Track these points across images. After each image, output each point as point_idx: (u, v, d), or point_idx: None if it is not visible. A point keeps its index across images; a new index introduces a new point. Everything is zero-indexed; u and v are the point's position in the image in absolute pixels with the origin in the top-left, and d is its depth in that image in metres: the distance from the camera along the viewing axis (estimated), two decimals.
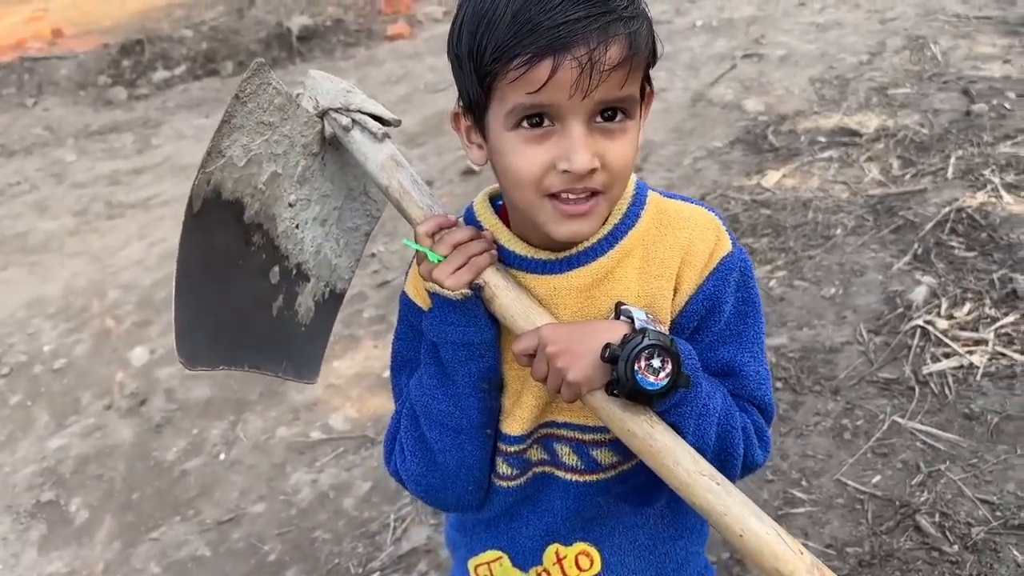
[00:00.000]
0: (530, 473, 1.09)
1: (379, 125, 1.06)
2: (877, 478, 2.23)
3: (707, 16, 6.63)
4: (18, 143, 6.92)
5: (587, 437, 1.05)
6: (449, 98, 5.89)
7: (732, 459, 1.01)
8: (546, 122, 0.88)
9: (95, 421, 3.17)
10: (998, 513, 2.05)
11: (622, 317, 0.94)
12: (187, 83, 7.79)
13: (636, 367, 0.86)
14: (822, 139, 4.08)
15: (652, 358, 0.87)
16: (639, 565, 1.11)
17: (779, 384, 2.58)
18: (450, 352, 1.00)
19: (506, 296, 0.98)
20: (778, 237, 3.32)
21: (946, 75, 4.53)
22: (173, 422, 3.07)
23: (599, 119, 0.89)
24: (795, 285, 3.01)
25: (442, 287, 0.96)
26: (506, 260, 1.01)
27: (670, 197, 1.04)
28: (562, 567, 1.11)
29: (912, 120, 4.09)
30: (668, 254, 0.99)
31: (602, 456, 1.05)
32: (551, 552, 1.11)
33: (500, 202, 1.06)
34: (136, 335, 3.68)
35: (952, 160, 3.59)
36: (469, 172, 4.54)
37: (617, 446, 1.02)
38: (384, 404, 2.89)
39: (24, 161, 6.51)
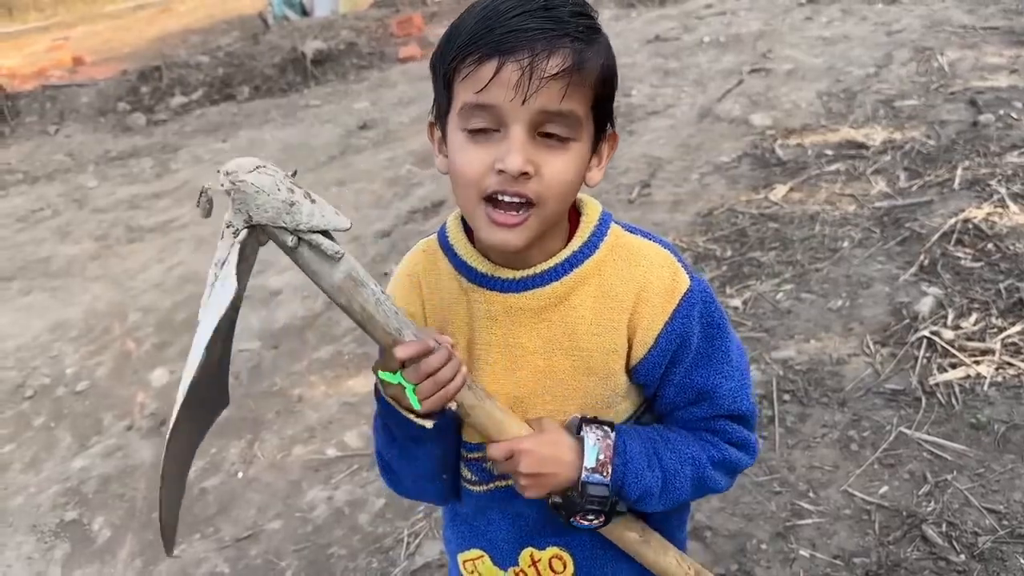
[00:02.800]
0: (493, 484, 1.12)
1: (332, 244, 0.91)
2: (884, 489, 2.25)
3: (714, 32, 6.69)
4: (40, 170, 7.08)
5: None
6: None
7: (696, 494, 1.10)
8: (492, 127, 0.92)
9: (116, 442, 3.24)
10: (1005, 522, 2.07)
11: (582, 438, 1.01)
12: (204, 108, 7.94)
13: (573, 519, 1.03)
14: (829, 152, 4.11)
15: (587, 515, 1.02)
16: (613, 569, 1.14)
17: (786, 396, 2.61)
18: (401, 434, 1.06)
19: (479, 414, 1.00)
20: (785, 250, 3.35)
21: (953, 86, 4.55)
22: None
23: (543, 134, 0.92)
24: (802, 298, 3.04)
25: (413, 414, 0.99)
26: (467, 276, 1.05)
27: (631, 231, 1.07)
28: (537, 569, 1.15)
29: (919, 132, 4.11)
30: (623, 288, 1.02)
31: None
32: (526, 555, 1.15)
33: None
34: (156, 357, 3.76)
35: (959, 171, 3.61)
36: None
37: None
38: None
39: (46, 187, 6.66)
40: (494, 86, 0.89)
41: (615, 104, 1.03)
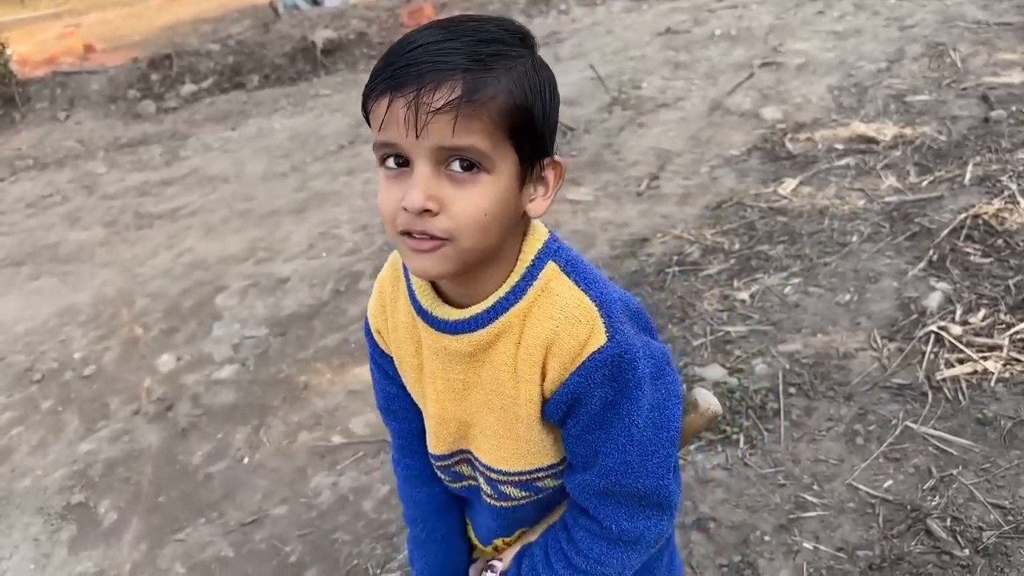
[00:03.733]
0: (463, 483, 1.19)
1: None
2: (889, 482, 2.24)
3: (725, 25, 6.66)
4: (51, 156, 7.10)
5: (494, 476, 1.10)
6: None
7: None
8: (403, 164, 0.90)
9: (123, 426, 3.26)
10: (1010, 518, 2.06)
11: None
12: (214, 96, 7.95)
13: None
14: (839, 147, 4.09)
15: None
16: None
17: (792, 389, 2.61)
18: None
19: None
20: (794, 244, 3.34)
21: (965, 82, 4.53)
22: (198, 427, 3.15)
23: (451, 167, 0.89)
24: (810, 292, 3.03)
25: None
26: (415, 307, 1.05)
27: (571, 271, 0.99)
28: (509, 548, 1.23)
29: (930, 127, 4.09)
30: (535, 341, 0.97)
31: (511, 491, 1.11)
32: (498, 541, 1.24)
33: None
34: (163, 342, 3.77)
35: (969, 167, 3.59)
36: None
37: (527, 486, 1.10)
38: None
39: (56, 173, 6.68)
40: (389, 124, 0.87)
41: (562, 129, 1.01)
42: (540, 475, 1.09)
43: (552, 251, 0.99)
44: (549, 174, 0.96)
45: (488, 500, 1.14)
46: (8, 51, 8.70)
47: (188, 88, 8.15)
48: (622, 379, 0.96)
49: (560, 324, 0.95)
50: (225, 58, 8.57)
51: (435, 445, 1.14)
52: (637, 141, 4.77)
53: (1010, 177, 3.43)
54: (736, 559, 2.10)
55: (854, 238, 3.29)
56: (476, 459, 1.12)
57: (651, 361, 1.00)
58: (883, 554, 2.04)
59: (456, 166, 0.88)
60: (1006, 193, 3.30)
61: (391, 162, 0.91)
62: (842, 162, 3.93)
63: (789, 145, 4.20)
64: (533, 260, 0.98)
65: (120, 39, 11.66)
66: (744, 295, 3.09)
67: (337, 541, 2.46)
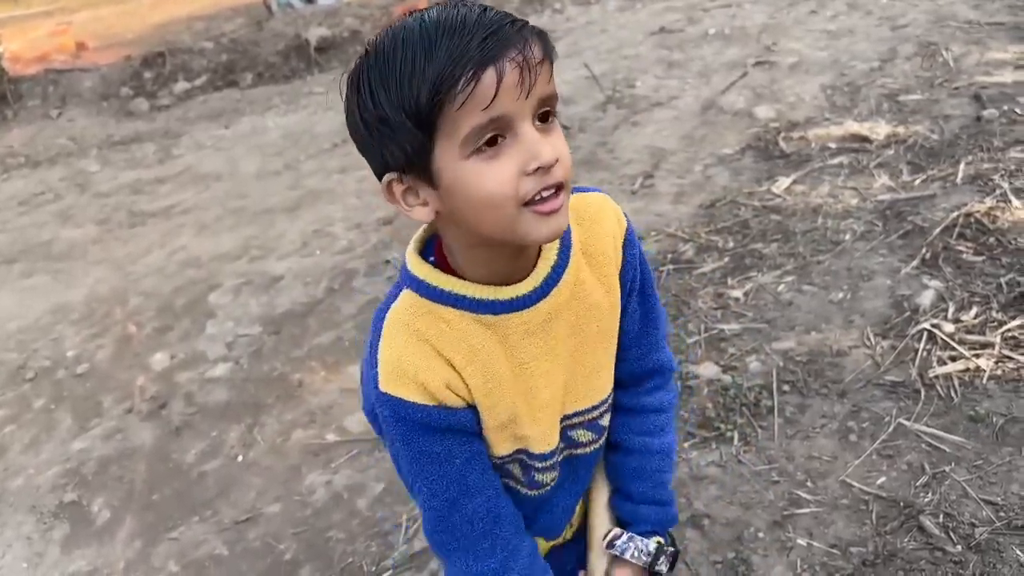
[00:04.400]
0: (556, 471, 1.17)
1: None
2: (882, 479, 2.25)
3: (719, 24, 6.67)
4: (43, 154, 7.07)
5: (594, 413, 1.16)
6: None
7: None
8: (499, 138, 0.88)
9: (116, 424, 3.25)
10: (1002, 514, 2.07)
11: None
12: (207, 94, 7.93)
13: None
14: (832, 146, 4.10)
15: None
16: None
17: (786, 387, 2.61)
18: None
19: None
20: (787, 242, 3.35)
21: (957, 81, 4.54)
22: (192, 425, 3.14)
23: (540, 119, 0.90)
24: (803, 290, 3.04)
25: None
26: (490, 310, 1.00)
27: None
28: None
29: (923, 126, 4.11)
30: (602, 245, 1.07)
31: (582, 435, 1.17)
32: (567, 531, 1.29)
33: (430, 257, 1.04)
34: (156, 340, 3.77)
35: (962, 166, 3.61)
36: None
37: (595, 424, 1.18)
38: None
39: (48, 171, 6.66)
40: (501, 95, 0.85)
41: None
42: (607, 405, 1.18)
43: None
44: None
45: (588, 450, 1.19)
46: (0, 48, 8.66)
47: (181, 86, 8.12)
48: (638, 248, 1.12)
49: (607, 217, 1.08)
50: (218, 56, 8.54)
51: (549, 440, 1.10)
52: (631, 140, 4.77)
53: (1002, 176, 3.45)
54: (730, 556, 2.11)
55: (847, 236, 3.30)
56: (576, 414, 1.14)
57: None
58: (876, 550, 2.05)
59: (545, 118, 0.90)
60: (998, 192, 3.32)
61: (485, 141, 0.87)
62: (835, 161, 3.95)
63: (783, 144, 4.22)
64: None
65: (113, 37, 11.61)
66: (738, 293, 3.10)
67: (332, 539, 2.46)
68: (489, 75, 0.84)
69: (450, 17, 0.86)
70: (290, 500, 2.66)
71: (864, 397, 2.53)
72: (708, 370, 2.72)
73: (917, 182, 3.60)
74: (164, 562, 2.55)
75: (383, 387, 0.99)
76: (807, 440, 2.42)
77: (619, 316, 1.12)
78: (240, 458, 2.92)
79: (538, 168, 0.88)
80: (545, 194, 0.89)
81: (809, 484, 2.28)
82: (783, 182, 3.83)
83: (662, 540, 1.23)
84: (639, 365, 1.19)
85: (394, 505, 2.51)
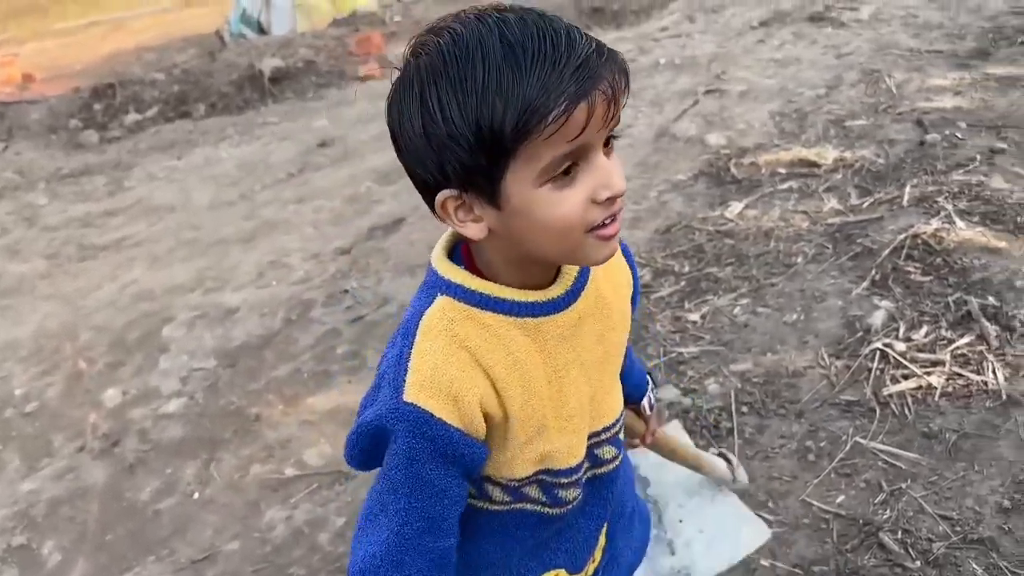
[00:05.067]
0: (580, 488, 1.13)
1: None
2: (841, 498, 2.28)
3: (670, 54, 6.81)
4: None
5: (616, 428, 1.17)
6: None
7: None
8: (573, 167, 0.88)
9: (68, 463, 3.15)
10: (957, 528, 2.11)
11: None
12: (159, 125, 7.83)
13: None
14: (782, 171, 4.20)
15: None
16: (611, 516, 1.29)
17: (744, 408, 2.64)
18: None
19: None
20: (741, 266, 3.40)
21: (900, 107, 4.69)
22: (146, 462, 3.07)
23: (603, 147, 0.91)
24: (758, 312, 3.09)
25: None
26: (529, 312, 0.99)
27: None
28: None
29: (869, 151, 4.23)
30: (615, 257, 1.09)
31: (606, 452, 1.17)
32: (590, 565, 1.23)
33: (458, 262, 1.03)
34: (108, 376, 3.68)
35: (907, 189, 3.71)
36: None
37: (616, 440, 1.19)
38: None
39: None
40: (589, 128, 0.85)
41: None
42: (621, 421, 1.18)
43: None
44: None
45: (611, 467, 1.17)
46: None
47: (132, 117, 8.01)
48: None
49: None
50: (170, 87, 8.45)
51: (576, 452, 1.08)
52: None
53: (946, 198, 3.56)
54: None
55: (799, 259, 3.37)
56: (604, 430, 1.13)
57: None
58: (838, 568, 2.07)
59: (607, 142, 0.91)
60: (942, 213, 3.42)
61: (560, 170, 0.87)
62: (785, 185, 4.04)
63: (734, 170, 4.30)
64: None
65: (60, 68, 11.43)
66: (695, 316, 3.13)
67: None
68: (581, 109, 0.83)
69: (535, 37, 0.83)
70: (249, 537, 2.60)
71: (821, 417, 2.57)
72: (668, 393, 2.75)
73: (865, 205, 3.70)
74: None
75: (409, 397, 0.93)
76: (767, 460, 2.45)
77: (628, 329, 1.17)
78: (196, 495, 2.85)
79: (610, 197, 0.89)
80: (607, 220, 0.91)
81: (770, 504, 2.30)
82: (735, 207, 3.90)
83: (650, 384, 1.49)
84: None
85: None
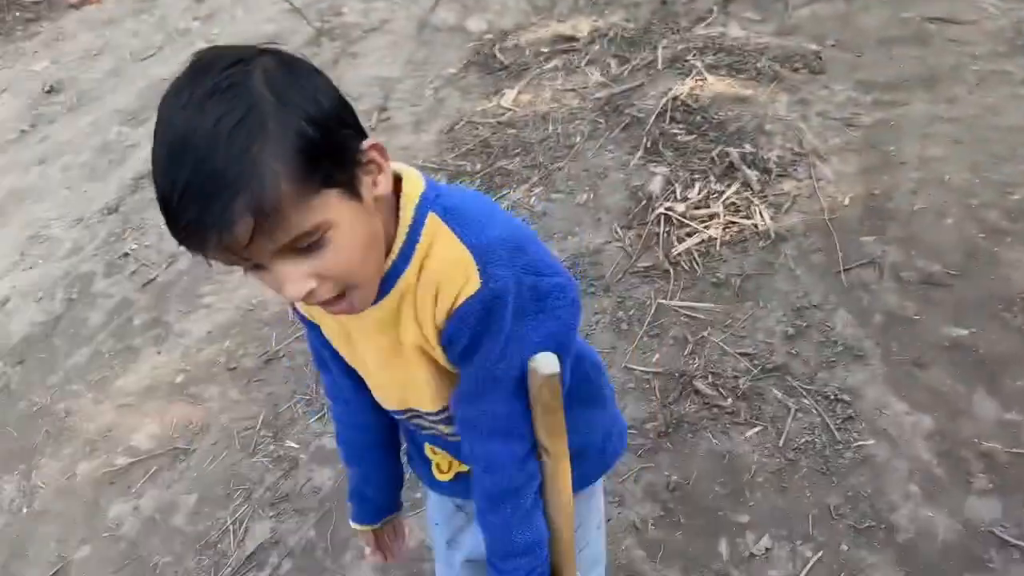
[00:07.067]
0: (426, 431, 1.26)
1: None
2: (656, 356, 2.53)
3: None
4: None
5: (428, 417, 1.20)
6: (162, 63, 5.39)
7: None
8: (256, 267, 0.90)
9: None
10: (756, 361, 2.43)
11: None
12: None
13: None
14: (545, 50, 4.29)
15: None
16: None
17: None
18: None
19: None
20: (528, 154, 3.52)
21: None
22: None
23: (293, 249, 0.88)
24: (552, 198, 3.24)
25: None
26: None
27: (453, 218, 1.00)
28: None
29: (618, 17, 4.41)
30: (425, 297, 1.02)
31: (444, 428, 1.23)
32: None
33: None
34: None
35: (659, 51, 3.94)
36: None
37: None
38: (186, 411, 2.81)
39: None
40: (239, 257, 0.87)
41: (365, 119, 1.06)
42: (437, 416, 1.20)
43: (430, 201, 1.01)
44: (374, 155, 0.94)
45: (449, 438, 1.24)
46: None
47: None
48: (487, 319, 0.99)
49: (441, 276, 0.99)
50: None
51: (385, 402, 1.22)
52: (355, 72, 4.68)
53: (694, 55, 3.82)
54: None
55: (577, 139, 3.53)
56: (424, 414, 1.18)
57: (523, 301, 1.01)
58: (666, 421, 2.33)
59: (296, 248, 0.88)
60: (694, 72, 3.68)
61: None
62: (550, 64, 4.15)
63: (500, 55, 4.34)
64: (413, 218, 1.00)
65: None
66: None
67: (158, 566, 2.35)
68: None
69: (166, 166, 0.85)
70: (99, 539, 2.49)
71: (625, 287, 2.79)
72: None
73: (625, 73, 3.89)
74: None
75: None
76: (588, 338, 2.65)
77: (443, 360, 1.09)
78: (25, 510, 2.66)
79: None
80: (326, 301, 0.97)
81: None
82: (509, 95, 3.97)
83: None
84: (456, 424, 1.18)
85: (214, 512, 2.44)
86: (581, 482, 1.22)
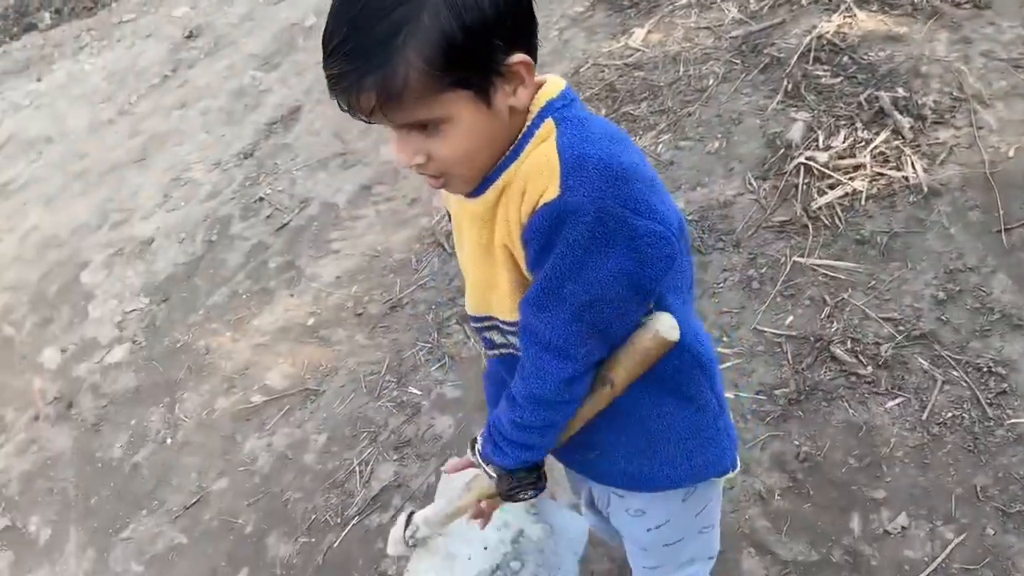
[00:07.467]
0: (495, 351, 1.25)
1: None
2: (790, 319, 2.40)
3: None
4: None
5: (494, 325, 1.21)
6: (292, 6, 5.47)
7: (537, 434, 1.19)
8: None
9: (26, 436, 3.09)
10: (901, 327, 2.26)
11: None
12: (4, 45, 7.12)
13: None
14: None
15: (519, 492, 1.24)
16: None
17: None
18: None
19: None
20: (656, 99, 3.37)
21: None
22: (108, 418, 3.03)
23: (413, 126, 1.00)
24: (681, 146, 3.10)
25: None
26: None
27: (567, 127, 1.01)
28: None
29: None
30: (515, 194, 1.03)
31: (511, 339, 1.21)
32: None
33: None
34: (40, 337, 3.54)
35: None
36: None
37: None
38: (316, 353, 2.90)
39: None
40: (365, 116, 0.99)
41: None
42: (502, 324, 1.21)
43: (555, 109, 1.04)
44: (520, 68, 0.99)
45: (492, 352, 1.26)
46: None
47: None
48: (562, 232, 0.98)
49: (530, 174, 1.02)
50: None
51: (470, 306, 1.23)
52: None
53: None
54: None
55: (711, 81, 3.35)
56: (501, 322, 1.18)
57: (604, 228, 0.98)
58: (798, 387, 2.22)
59: (415, 129, 1.00)
60: (843, 7, 3.40)
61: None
62: (683, 0, 3.93)
63: None
64: (533, 120, 1.04)
65: None
66: None
67: (289, 501, 2.47)
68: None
69: (327, 30, 0.96)
70: (235, 472, 2.63)
71: (757, 242, 2.65)
72: None
73: (765, 8, 3.64)
74: (125, 564, 2.51)
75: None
76: (715, 296, 2.55)
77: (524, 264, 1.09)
78: (169, 441, 2.85)
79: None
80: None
81: (725, 339, 2.41)
82: (639, 33, 3.80)
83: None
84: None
85: (342, 453, 2.53)
86: (659, 481, 1.27)
